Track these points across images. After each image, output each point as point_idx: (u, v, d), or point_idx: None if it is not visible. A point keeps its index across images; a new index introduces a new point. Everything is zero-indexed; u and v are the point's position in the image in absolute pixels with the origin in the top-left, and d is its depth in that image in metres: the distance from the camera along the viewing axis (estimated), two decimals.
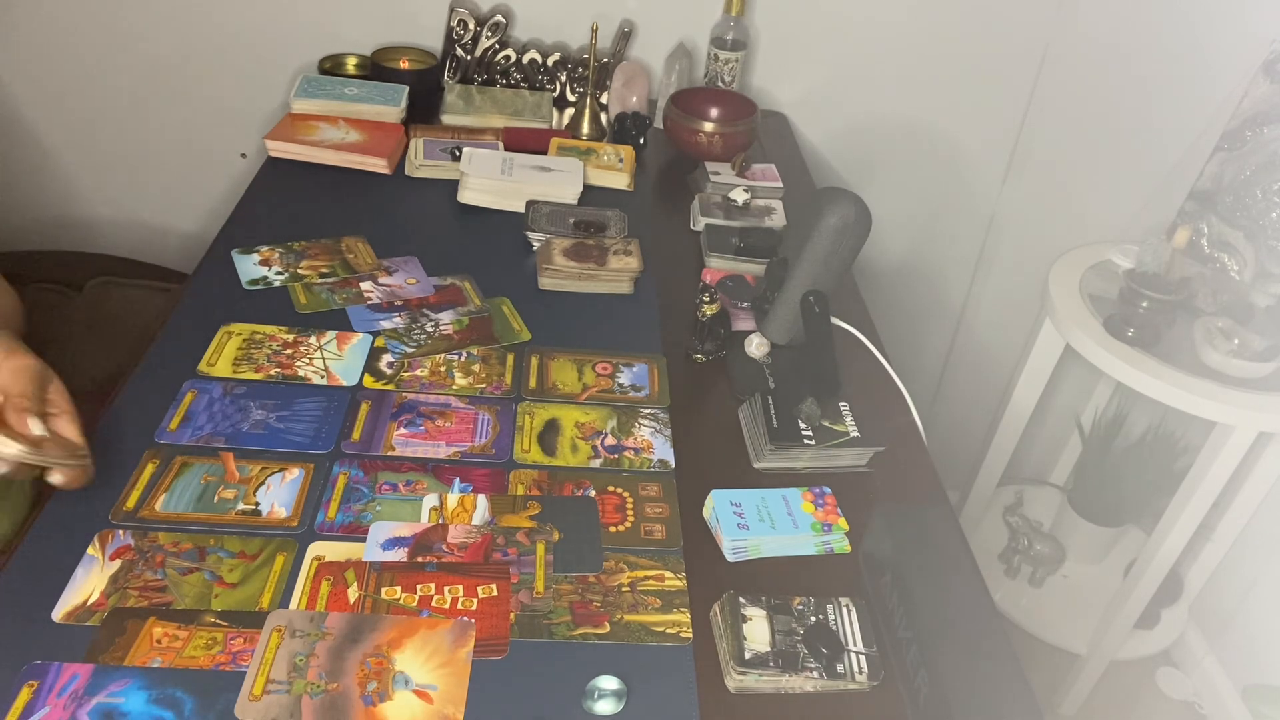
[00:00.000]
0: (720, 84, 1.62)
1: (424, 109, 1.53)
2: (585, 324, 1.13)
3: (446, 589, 0.79)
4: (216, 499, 0.85)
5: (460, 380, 1.02)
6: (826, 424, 0.98)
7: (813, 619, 0.79)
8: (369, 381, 1.00)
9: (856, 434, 0.97)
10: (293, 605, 0.77)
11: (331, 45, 1.63)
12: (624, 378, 1.05)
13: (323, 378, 1.00)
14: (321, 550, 0.81)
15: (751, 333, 1.12)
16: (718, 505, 0.88)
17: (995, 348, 2.03)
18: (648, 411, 1.01)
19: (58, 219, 1.84)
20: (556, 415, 0.99)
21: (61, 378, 0.83)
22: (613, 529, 0.87)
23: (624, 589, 0.81)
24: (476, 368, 1.04)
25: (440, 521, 0.85)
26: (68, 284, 1.50)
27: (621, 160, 1.44)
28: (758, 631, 0.77)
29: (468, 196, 1.32)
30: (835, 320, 1.13)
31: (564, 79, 1.61)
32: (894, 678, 0.77)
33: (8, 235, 1.82)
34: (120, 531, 0.81)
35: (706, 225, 1.32)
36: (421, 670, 0.72)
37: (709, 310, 1.07)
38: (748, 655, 0.75)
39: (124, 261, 1.77)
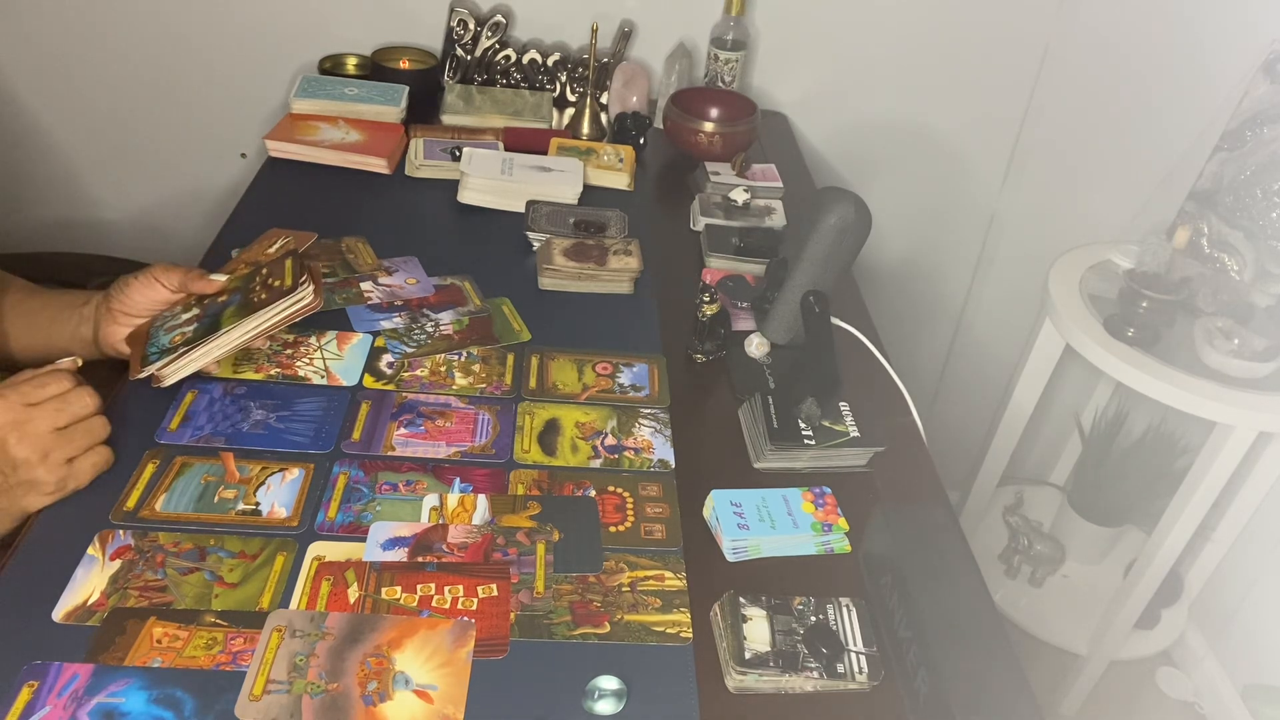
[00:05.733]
0: (720, 84, 1.62)
1: (424, 109, 1.54)
2: (585, 324, 1.13)
3: (446, 589, 0.79)
4: (216, 499, 0.85)
5: (460, 380, 1.02)
6: (826, 424, 0.98)
7: (813, 619, 0.79)
8: (369, 381, 1.00)
9: (856, 434, 0.97)
10: (293, 605, 0.77)
11: (331, 45, 1.63)
12: (624, 378, 1.05)
13: (323, 378, 1.00)
14: (321, 550, 0.81)
15: (751, 333, 1.12)
16: (718, 505, 0.88)
17: (995, 348, 2.03)
18: (648, 411, 1.01)
19: (58, 220, 1.84)
20: (556, 415, 0.99)
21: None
22: (613, 529, 0.87)
23: (624, 589, 0.81)
24: (476, 368, 1.04)
25: (440, 521, 0.85)
26: (69, 285, 1.50)
27: (621, 160, 1.44)
28: (758, 631, 0.77)
29: (468, 196, 1.32)
30: (835, 320, 1.13)
31: (564, 79, 1.61)
32: (894, 678, 0.77)
33: (7, 236, 1.83)
34: (120, 531, 0.81)
35: (706, 225, 1.32)
36: (421, 670, 0.72)
37: (709, 310, 1.07)
38: (748, 655, 0.75)
39: (125, 262, 1.77)
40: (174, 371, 0.94)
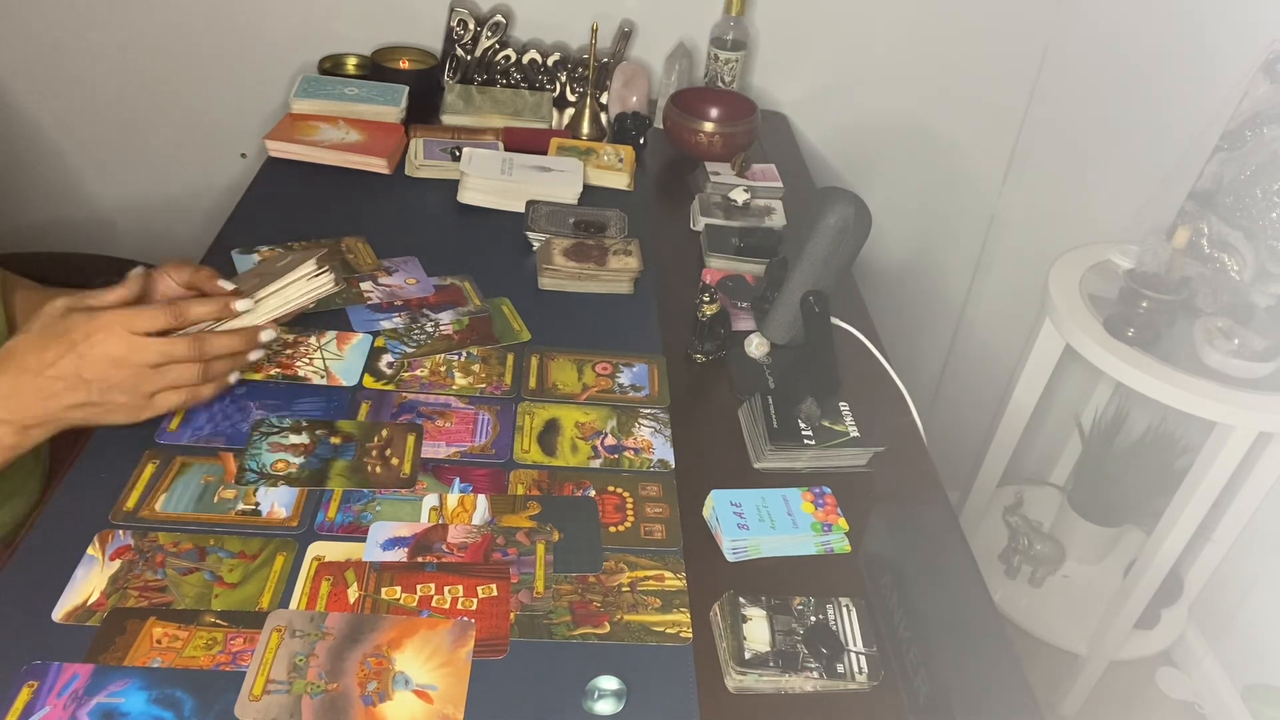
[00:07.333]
0: (720, 84, 1.62)
1: (424, 109, 1.53)
2: (585, 324, 1.13)
3: (446, 589, 0.79)
4: (216, 499, 0.85)
5: (460, 380, 1.02)
6: (826, 424, 0.98)
7: (813, 619, 0.79)
8: (369, 381, 1.00)
9: (856, 434, 0.97)
10: (293, 605, 0.77)
11: (331, 45, 1.63)
12: (624, 378, 1.05)
13: (323, 378, 1.00)
14: (321, 550, 0.81)
15: (751, 333, 1.12)
16: (718, 505, 0.88)
17: (995, 348, 2.03)
18: (648, 411, 1.01)
19: (58, 220, 1.84)
20: (556, 415, 0.99)
21: None
22: (613, 529, 0.87)
23: (624, 589, 0.81)
24: (476, 368, 1.04)
25: (440, 521, 0.85)
26: (70, 285, 1.50)
27: (621, 160, 1.44)
28: (758, 631, 0.77)
29: (468, 196, 1.32)
30: (835, 320, 1.13)
31: (564, 79, 1.61)
32: (894, 678, 0.77)
33: (7, 236, 1.83)
34: (120, 531, 0.81)
35: (706, 225, 1.32)
36: (421, 670, 0.72)
37: (709, 310, 1.07)
38: (748, 655, 0.75)
39: (125, 262, 1.77)
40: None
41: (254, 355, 0.91)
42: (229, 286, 0.92)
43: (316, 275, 0.94)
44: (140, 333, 0.81)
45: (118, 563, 0.78)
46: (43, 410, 0.80)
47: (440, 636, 0.75)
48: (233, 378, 0.92)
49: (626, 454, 0.95)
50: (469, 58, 1.60)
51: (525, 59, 1.60)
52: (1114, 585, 1.85)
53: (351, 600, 0.77)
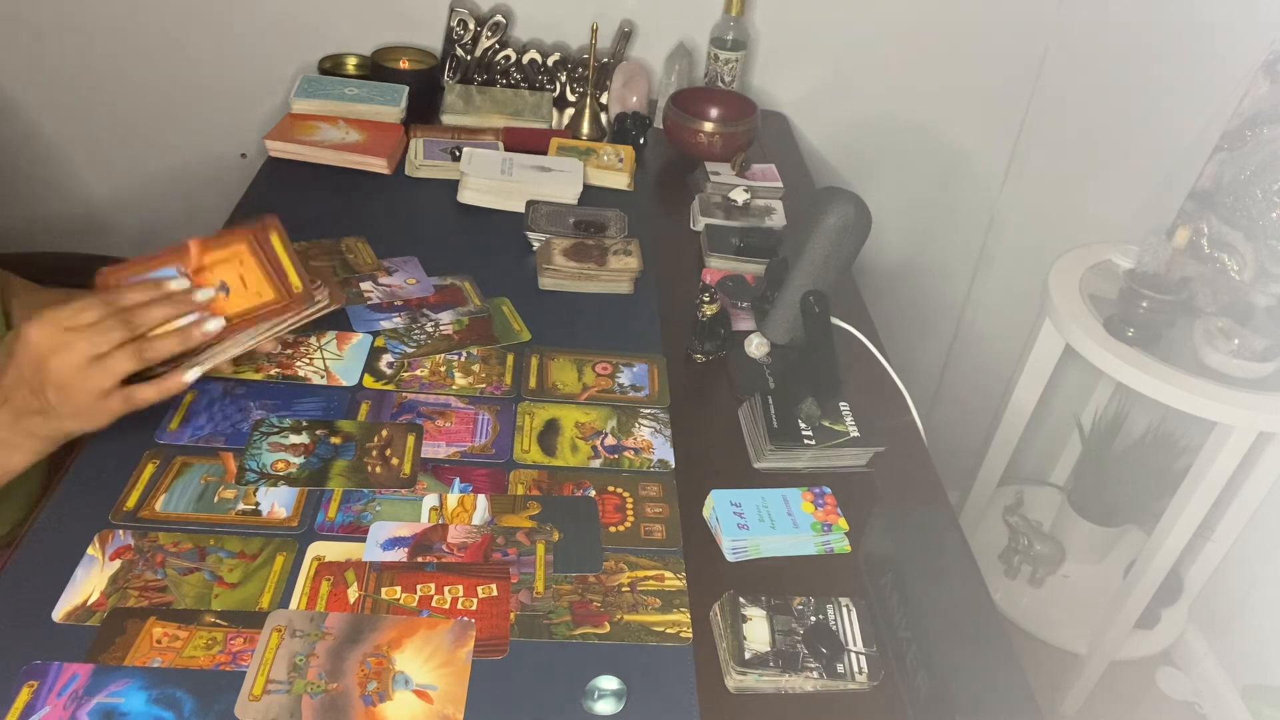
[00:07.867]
0: (720, 84, 1.62)
1: (424, 109, 1.53)
2: (585, 324, 1.13)
3: (446, 589, 0.79)
4: (216, 499, 0.85)
5: (460, 380, 1.02)
6: (826, 424, 0.98)
7: (813, 619, 0.79)
8: (369, 381, 1.00)
9: (856, 434, 0.97)
10: (293, 605, 0.77)
11: (331, 45, 1.63)
12: (624, 378, 1.05)
13: (323, 378, 1.00)
14: (321, 550, 0.81)
15: (751, 333, 1.12)
16: (718, 505, 0.88)
17: (995, 348, 2.03)
18: (648, 411, 1.01)
19: (58, 220, 1.84)
20: (556, 415, 0.99)
21: None
22: (613, 529, 0.87)
23: (624, 589, 0.81)
24: (476, 368, 1.04)
25: (440, 521, 0.85)
26: (69, 286, 1.50)
27: (621, 160, 1.44)
28: (758, 631, 0.77)
29: (468, 196, 1.32)
30: (835, 320, 1.13)
31: (564, 79, 1.61)
32: (894, 677, 0.77)
33: (7, 236, 1.82)
34: (120, 531, 0.81)
35: (706, 225, 1.32)
36: (421, 670, 0.72)
37: (709, 310, 1.07)
38: (748, 655, 0.75)
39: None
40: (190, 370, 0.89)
41: (210, 326, 0.83)
42: (210, 292, 0.86)
43: (317, 306, 0.91)
44: (71, 326, 0.76)
45: (118, 563, 0.78)
46: (20, 427, 0.78)
47: (440, 636, 0.75)
48: (191, 375, 0.83)
49: (626, 454, 0.95)
50: (469, 58, 1.60)
51: (525, 59, 1.60)
52: (1114, 585, 1.85)
53: (351, 600, 0.77)
